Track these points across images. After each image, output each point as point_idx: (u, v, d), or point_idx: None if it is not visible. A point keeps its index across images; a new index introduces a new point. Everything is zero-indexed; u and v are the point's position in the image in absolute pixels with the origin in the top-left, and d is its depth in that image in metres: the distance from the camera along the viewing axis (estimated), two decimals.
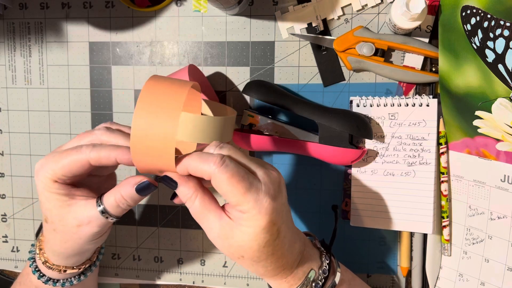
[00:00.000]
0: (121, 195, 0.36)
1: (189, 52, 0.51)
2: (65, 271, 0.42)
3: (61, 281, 0.43)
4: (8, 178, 0.56)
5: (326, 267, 0.38)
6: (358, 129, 0.44)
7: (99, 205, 0.37)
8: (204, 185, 0.36)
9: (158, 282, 0.55)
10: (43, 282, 0.42)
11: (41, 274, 0.42)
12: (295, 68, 0.49)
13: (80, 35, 0.52)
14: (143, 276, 0.55)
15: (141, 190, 0.36)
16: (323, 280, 0.37)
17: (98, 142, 0.37)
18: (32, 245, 0.45)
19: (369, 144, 0.47)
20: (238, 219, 0.33)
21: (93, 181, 0.41)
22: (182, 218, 0.53)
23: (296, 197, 0.51)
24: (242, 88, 0.46)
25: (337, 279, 0.38)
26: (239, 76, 0.50)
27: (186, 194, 0.34)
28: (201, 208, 0.34)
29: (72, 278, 0.44)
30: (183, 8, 0.50)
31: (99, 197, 0.38)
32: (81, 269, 0.44)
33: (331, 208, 0.50)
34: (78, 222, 0.38)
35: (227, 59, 0.50)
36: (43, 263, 0.42)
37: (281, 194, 0.35)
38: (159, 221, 0.54)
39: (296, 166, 0.50)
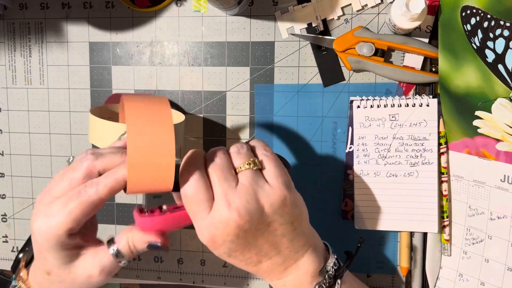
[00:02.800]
0: (132, 241, 0.35)
1: (189, 52, 0.51)
2: None
3: None
4: (8, 178, 0.56)
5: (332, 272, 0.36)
6: None
7: (112, 249, 0.35)
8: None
9: (158, 282, 0.55)
10: None
11: None
12: (295, 68, 0.49)
13: (80, 35, 0.52)
14: (143, 276, 0.55)
15: (152, 247, 0.35)
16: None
17: (93, 172, 0.34)
18: (13, 276, 0.40)
19: (371, 146, 0.47)
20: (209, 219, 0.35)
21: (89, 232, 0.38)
22: None
23: None
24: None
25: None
26: (239, 76, 0.50)
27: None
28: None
29: None
30: (183, 8, 0.50)
31: (108, 241, 0.36)
32: None
33: (357, 241, 0.43)
34: (89, 274, 0.35)
35: (227, 59, 0.50)
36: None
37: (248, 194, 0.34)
38: None
39: (296, 165, 0.50)
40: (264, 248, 0.35)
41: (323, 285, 0.36)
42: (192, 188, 0.34)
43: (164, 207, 0.37)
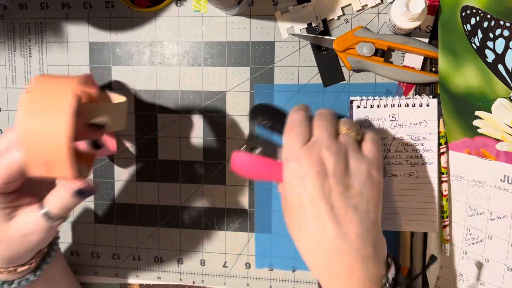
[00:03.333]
0: (60, 198, 0.35)
1: (189, 52, 0.51)
2: (15, 270, 0.39)
3: (16, 281, 0.40)
4: None
5: None
6: None
7: (41, 208, 0.36)
8: None
9: (158, 282, 0.55)
10: None
11: None
12: (295, 68, 0.49)
13: (80, 35, 0.52)
14: (143, 276, 0.55)
15: (79, 194, 0.35)
16: None
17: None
18: None
19: None
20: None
21: (42, 190, 0.38)
22: (182, 218, 0.53)
23: None
24: (249, 113, 0.44)
25: None
26: (239, 76, 0.50)
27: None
28: None
29: (28, 275, 0.41)
30: (183, 8, 0.50)
31: (41, 202, 0.36)
32: (33, 264, 0.40)
33: (429, 259, 0.44)
34: (23, 233, 0.36)
35: (227, 59, 0.50)
36: None
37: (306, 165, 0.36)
38: (159, 221, 0.54)
39: None
40: (336, 209, 0.35)
41: None
42: (297, 117, 0.39)
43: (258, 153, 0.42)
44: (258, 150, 0.42)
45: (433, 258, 0.42)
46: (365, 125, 0.46)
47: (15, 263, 0.39)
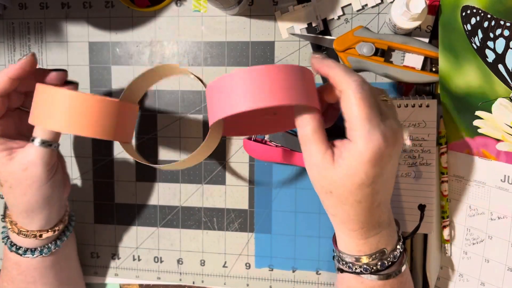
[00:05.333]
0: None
1: (189, 52, 0.51)
2: (40, 236, 0.43)
3: (39, 249, 0.44)
4: None
5: (398, 253, 0.37)
6: None
7: (36, 141, 0.39)
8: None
9: (158, 282, 0.55)
10: (20, 255, 0.43)
11: (17, 247, 0.43)
12: None
13: (80, 35, 0.52)
14: (143, 276, 0.55)
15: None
16: (390, 263, 0.37)
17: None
18: (3, 220, 0.45)
19: None
20: (343, 149, 0.33)
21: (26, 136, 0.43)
22: (182, 218, 0.53)
23: (296, 198, 0.51)
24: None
25: (403, 269, 0.38)
26: None
27: (304, 118, 0.34)
28: (312, 135, 0.34)
29: (50, 244, 0.44)
30: (183, 8, 0.50)
31: (32, 139, 0.40)
32: (56, 232, 0.44)
33: (418, 208, 0.46)
34: (24, 167, 0.39)
35: (227, 59, 0.50)
36: (18, 234, 0.42)
37: (395, 147, 0.34)
38: (159, 221, 0.54)
39: (296, 166, 0.50)
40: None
41: (403, 245, 0.38)
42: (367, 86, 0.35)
43: (267, 140, 0.47)
44: (266, 137, 0.46)
45: (422, 208, 0.43)
46: None
47: (40, 221, 0.42)
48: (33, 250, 0.44)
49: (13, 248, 0.43)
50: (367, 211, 0.35)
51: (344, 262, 0.38)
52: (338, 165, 0.33)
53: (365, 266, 0.37)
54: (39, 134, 0.39)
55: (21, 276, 0.44)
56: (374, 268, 0.36)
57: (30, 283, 0.45)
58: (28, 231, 0.43)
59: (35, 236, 0.43)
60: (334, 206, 0.35)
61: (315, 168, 0.35)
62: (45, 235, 0.43)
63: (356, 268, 0.37)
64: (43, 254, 0.44)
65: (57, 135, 0.40)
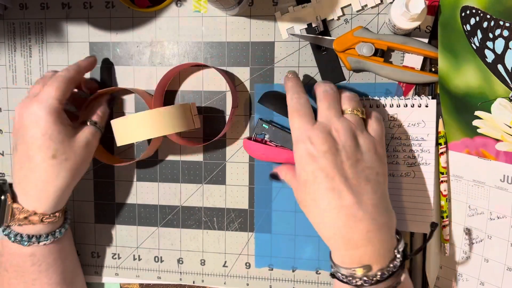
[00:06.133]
0: (100, 110, 0.48)
1: (189, 52, 0.51)
2: (42, 220, 0.44)
3: (51, 233, 0.46)
4: (8, 178, 0.56)
5: (386, 273, 0.37)
6: None
7: (90, 123, 0.47)
8: None
9: (158, 282, 0.55)
10: (38, 243, 0.45)
11: (31, 237, 0.44)
12: (295, 68, 0.49)
13: (80, 35, 0.52)
14: (143, 276, 0.55)
15: (111, 101, 0.50)
16: (374, 281, 0.37)
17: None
18: (7, 225, 0.45)
19: None
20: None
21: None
22: (182, 218, 0.53)
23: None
24: (259, 98, 0.47)
25: (402, 278, 0.38)
26: (239, 76, 0.50)
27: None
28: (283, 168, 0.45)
29: (49, 235, 0.45)
30: (183, 8, 0.51)
31: (88, 121, 0.47)
32: (56, 218, 0.45)
33: (430, 225, 0.44)
34: (87, 141, 0.45)
35: (227, 59, 0.50)
36: (25, 218, 0.43)
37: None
38: (159, 221, 0.54)
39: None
40: (350, 180, 0.37)
41: (396, 263, 0.37)
42: (300, 100, 0.41)
43: (267, 140, 0.48)
44: (266, 137, 0.46)
45: (433, 225, 0.42)
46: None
47: (65, 196, 0.46)
48: (46, 236, 0.45)
49: (33, 239, 0.44)
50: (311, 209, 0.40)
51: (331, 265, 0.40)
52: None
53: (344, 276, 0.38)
54: (95, 117, 0.47)
55: (35, 266, 0.45)
56: (359, 282, 0.37)
57: (43, 272, 0.46)
58: (50, 215, 0.44)
59: (55, 217, 0.45)
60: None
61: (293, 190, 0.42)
62: (46, 220, 0.44)
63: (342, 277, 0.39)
64: (58, 236, 0.46)
65: (104, 119, 0.48)
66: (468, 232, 0.47)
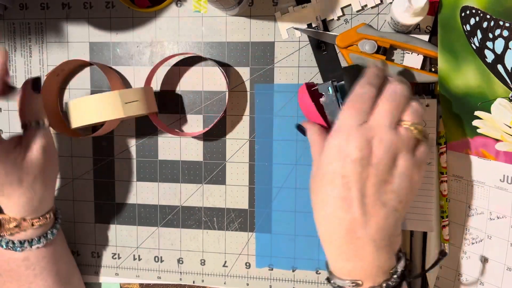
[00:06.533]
0: (32, 103, 0.44)
1: (189, 52, 0.51)
2: (32, 224, 0.43)
3: (42, 236, 0.45)
4: None
5: None
6: None
7: (32, 124, 0.43)
8: None
9: (158, 282, 0.55)
10: (31, 247, 0.44)
11: (22, 242, 0.44)
12: (295, 68, 0.49)
13: (80, 35, 0.52)
14: (143, 276, 0.55)
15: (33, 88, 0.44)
16: None
17: None
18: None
19: None
20: None
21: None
22: (182, 218, 0.53)
23: (296, 197, 0.51)
24: (342, 68, 0.45)
25: None
26: (239, 76, 0.50)
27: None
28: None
29: (42, 238, 0.45)
30: (183, 8, 0.51)
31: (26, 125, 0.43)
32: (47, 220, 0.45)
33: (439, 253, 0.44)
34: (41, 150, 0.42)
35: (227, 60, 0.50)
36: (15, 226, 0.43)
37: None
38: (159, 221, 0.54)
39: (295, 166, 0.50)
40: (366, 199, 0.35)
41: (390, 283, 0.36)
42: (364, 92, 0.36)
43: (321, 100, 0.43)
44: (323, 98, 0.42)
45: (443, 254, 0.42)
46: None
47: (50, 195, 0.45)
48: (38, 239, 0.45)
49: (25, 244, 0.44)
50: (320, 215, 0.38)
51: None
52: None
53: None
54: (31, 117, 0.43)
55: (29, 270, 0.45)
56: None
57: (38, 275, 0.46)
58: (40, 217, 0.44)
59: (45, 219, 0.44)
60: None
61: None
62: (36, 223, 0.44)
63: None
64: (50, 238, 0.45)
65: (42, 112, 0.44)
66: (468, 232, 0.47)
